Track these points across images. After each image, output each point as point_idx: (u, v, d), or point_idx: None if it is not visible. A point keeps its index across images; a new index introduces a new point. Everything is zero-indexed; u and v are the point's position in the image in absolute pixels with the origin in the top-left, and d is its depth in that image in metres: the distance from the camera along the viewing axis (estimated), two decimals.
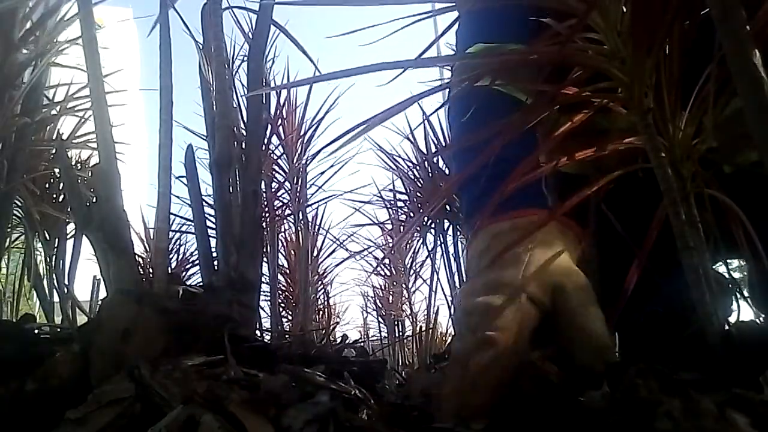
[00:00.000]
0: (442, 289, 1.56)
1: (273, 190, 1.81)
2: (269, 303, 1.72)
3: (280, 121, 1.82)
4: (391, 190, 1.97)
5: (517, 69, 0.61)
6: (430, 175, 1.69)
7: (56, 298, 1.29)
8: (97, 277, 1.43)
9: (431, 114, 1.68)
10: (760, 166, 0.29)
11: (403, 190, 1.88)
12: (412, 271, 2.29)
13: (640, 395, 0.30)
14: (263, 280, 1.58)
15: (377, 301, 2.63)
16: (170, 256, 2.04)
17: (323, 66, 0.98)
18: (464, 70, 0.68)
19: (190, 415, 0.35)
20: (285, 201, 1.86)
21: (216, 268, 0.67)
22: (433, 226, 1.60)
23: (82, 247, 1.30)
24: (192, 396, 0.38)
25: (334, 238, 2.13)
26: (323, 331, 2.02)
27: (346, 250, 2.17)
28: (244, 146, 0.74)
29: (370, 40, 0.63)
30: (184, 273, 2.09)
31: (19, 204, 1.24)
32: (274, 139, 1.80)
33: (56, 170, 1.32)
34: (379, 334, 2.71)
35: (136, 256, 0.90)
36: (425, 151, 1.69)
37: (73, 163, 1.46)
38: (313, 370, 0.51)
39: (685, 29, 0.42)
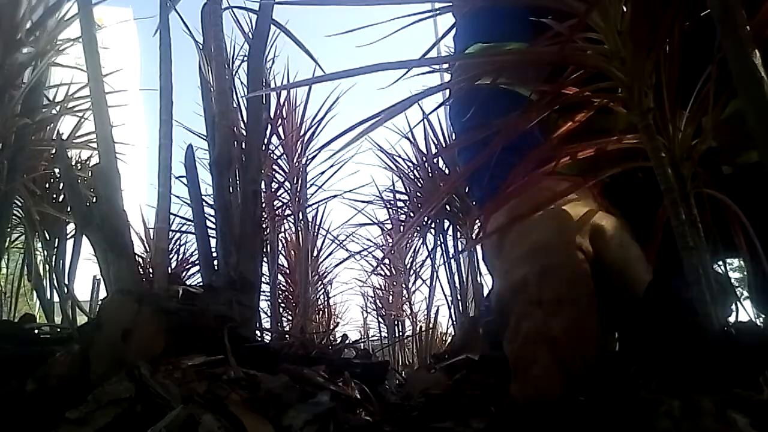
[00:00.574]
0: (442, 289, 1.56)
1: (273, 190, 1.81)
2: (269, 303, 1.72)
3: (280, 121, 1.82)
4: (391, 190, 1.97)
5: (517, 68, 0.60)
6: (430, 175, 1.69)
7: (56, 298, 1.29)
8: (97, 277, 1.43)
9: (431, 113, 1.68)
10: (760, 166, 0.29)
11: (403, 190, 1.88)
12: (412, 271, 2.29)
13: (640, 395, 0.30)
14: (263, 280, 1.58)
15: (377, 301, 2.63)
16: (170, 256, 2.04)
17: (323, 66, 0.98)
18: (465, 70, 0.68)
19: (190, 415, 0.35)
20: (285, 201, 1.86)
21: (216, 268, 0.67)
22: (433, 226, 1.60)
23: (82, 247, 1.30)
24: (192, 396, 0.38)
25: (334, 238, 2.13)
26: (323, 332, 2.02)
27: (346, 250, 2.18)
28: (244, 146, 0.74)
29: (370, 40, 0.63)
30: (184, 273, 2.09)
31: (19, 204, 1.24)
32: (274, 139, 1.80)
33: (56, 170, 1.32)
34: (379, 334, 2.71)
35: (136, 256, 0.90)
36: (425, 151, 1.69)
37: (73, 163, 1.46)
38: (313, 370, 0.51)
39: (685, 29, 0.42)
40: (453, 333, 1.54)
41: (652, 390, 0.29)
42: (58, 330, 0.79)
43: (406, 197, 1.90)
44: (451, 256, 1.45)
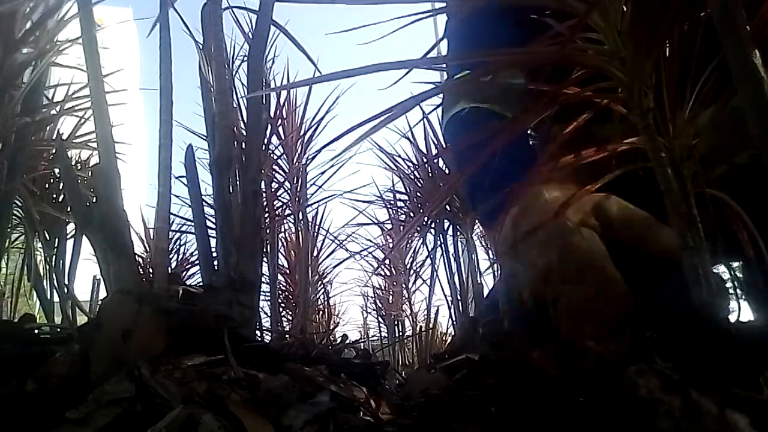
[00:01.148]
0: (442, 289, 1.56)
1: (273, 190, 1.81)
2: (269, 303, 1.72)
3: (280, 121, 1.82)
4: (390, 190, 1.97)
5: (506, 94, 0.67)
6: (430, 175, 1.69)
7: (56, 298, 1.29)
8: (97, 277, 1.43)
9: (430, 112, 1.68)
10: (753, 167, 0.29)
11: (403, 190, 1.88)
12: (412, 271, 2.29)
13: (640, 395, 0.30)
14: (263, 280, 1.58)
15: (377, 301, 2.63)
16: (170, 256, 2.04)
17: (323, 66, 0.98)
18: (455, 90, 0.71)
19: (190, 415, 0.35)
20: (285, 201, 1.86)
21: (216, 268, 0.67)
22: (433, 226, 1.60)
23: (82, 247, 1.30)
24: (192, 396, 0.38)
25: (334, 238, 2.13)
26: (323, 332, 2.02)
27: (346, 250, 2.18)
28: (244, 146, 0.74)
29: (370, 39, 0.63)
30: (184, 273, 2.09)
31: (19, 204, 1.24)
32: (274, 139, 1.80)
33: (56, 170, 1.32)
34: (379, 334, 2.71)
35: (136, 256, 0.90)
36: (425, 151, 1.69)
37: (73, 163, 1.46)
38: (314, 370, 0.51)
39: (685, 29, 0.42)
40: (453, 333, 1.54)
41: (652, 390, 0.29)
42: (58, 330, 0.79)
43: (406, 197, 1.90)
44: (451, 255, 1.45)
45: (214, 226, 0.77)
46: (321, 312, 2.39)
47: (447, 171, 1.60)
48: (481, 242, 1.52)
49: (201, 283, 0.69)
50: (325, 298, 2.39)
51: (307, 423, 0.36)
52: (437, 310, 1.85)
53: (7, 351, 0.53)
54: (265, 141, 1.64)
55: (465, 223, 1.44)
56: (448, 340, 2.25)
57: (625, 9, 0.43)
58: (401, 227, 2.00)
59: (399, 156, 1.81)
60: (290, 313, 2.07)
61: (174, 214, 1.70)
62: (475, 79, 0.55)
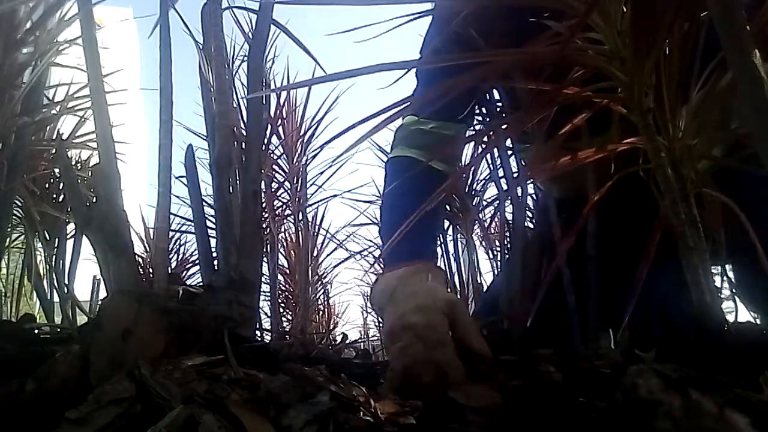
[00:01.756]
0: None
1: (273, 190, 1.81)
2: (269, 303, 1.72)
3: (280, 121, 1.82)
4: None
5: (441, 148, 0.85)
6: None
7: (56, 298, 1.29)
8: (97, 277, 1.43)
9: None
10: (729, 157, 0.30)
11: None
12: None
13: (640, 395, 0.30)
14: (263, 280, 1.58)
15: None
16: (170, 256, 2.04)
17: (323, 65, 0.97)
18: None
19: (190, 415, 0.35)
20: (285, 201, 1.86)
21: (216, 268, 0.67)
22: None
23: (82, 247, 1.30)
24: (192, 396, 0.38)
25: (333, 237, 2.13)
26: (323, 331, 2.01)
27: (346, 250, 2.17)
28: (244, 146, 0.74)
29: (370, 39, 0.63)
30: (184, 273, 2.09)
31: (19, 204, 1.24)
32: (274, 139, 1.80)
33: (56, 170, 1.32)
34: (379, 334, 2.71)
35: (136, 256, 0.90)
36: None
37: (73, 163, 1.46)
38: (314, 370, 0.51)
39: (685, 29, 0.42)
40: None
41: (652, 390, 0.29)
42: (58, 330, 0.79)
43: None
44: (451, 255, 1.45)
45: (214, 226, 0.77)
46: (321, 312, 2.39)
47: None
48: (481, 242, 1.52)
49: (201, 283, 0.69)
50: (325, 298, 2.39)
51: (307, 423, 0.36)
52: None
53: (7, 351, 0.53)
54: (265, 141, 1.64)
55: (465, 223, 1.44)
56: None
57: (625, 9, 0.43)
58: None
59: None
60: (290, 313, 2.07)
61: (174, 214, 1.70)
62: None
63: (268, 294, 1.71)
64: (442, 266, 1.50)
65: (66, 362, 0.44)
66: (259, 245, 0.72)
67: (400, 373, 0.59)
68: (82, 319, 1.22)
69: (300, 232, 1.81)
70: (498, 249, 1.43)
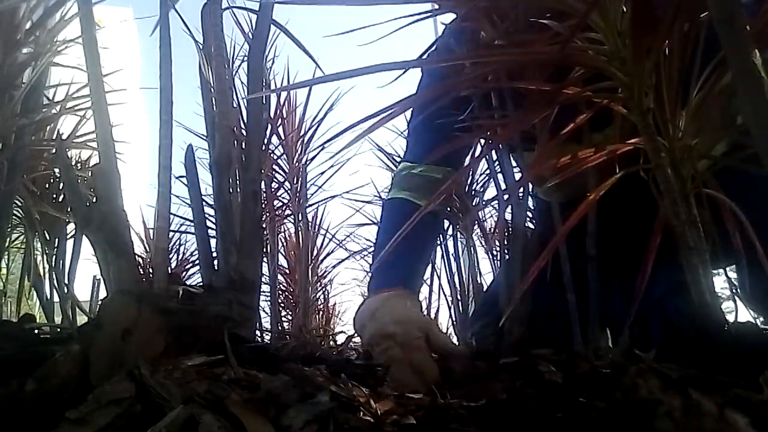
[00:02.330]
0: (442, 290, 1.56)
1: (273, 190, 1.81)
2: (269, 303, 1.72)
3: (280, 121, 1.82)
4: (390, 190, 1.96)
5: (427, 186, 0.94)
6: None
7: (56, 298, 1.29)
8: (97, 277, 1.43)
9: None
10: (728, 156, 0.30)
11: None
12: None
13: (640, 395, 0.30)
14: (263, 280, 1.58)
15: None
16: (170, 256, 2.04)
17: (323, 66, 0.98)
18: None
19: (190, 415, 0.35)
20: (285, 201, 1.86)
21: (216, 268, 0.66)
22: None
23: (82, 247, 1.30)
24: (192, 396, 0.38)
25: (333, 237, 2.13)
26: (323, 333, 2.01)
27: (346, 250, 2.17)
28: (244, 146, 0.74)
29: (370, 39, 0.63)
30: (184, 273, 2.09)
31: (19, 204, 1.24)
32: (274, 139, 1.80)
33: (56, 170, 1.32)
34: None
35: (136, 256, 0.90)
36: None
37: (73, 163, 1.46)
38: (314, 370, 0.51)
39: (685, 29, 0.42)
40: (453, 333, 1.54)
41: (652, 390, 0.29)
42: (58, 330, 0.79)
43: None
44: (451, 255, 1.45)
45: (214, 226, 0.77)
46: (321, 312, 2.39)
47: None
48: (481, 242, 1.52)
49: (201, 283, 0.69)
50: (325, 298, 2.39)
51: (307, 423, 0.36)
52: (437, 311, 1.85)
53: (7, 351, 0.53)
54: (265, 141, 1.64)
55: (465, 223, 1.44)
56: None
57: (625, 9, 0.43)
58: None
59: (398, 156, 1.81)
60: (290, 313, 2.07)
61: (174, 214, 1.70)
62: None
63: (268, 294, 1.71)
64: (443, 266, 1.51)
65: (66, 362, 0.44)
66: (259, 245, 0.72)
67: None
68: (82, 319, 1.22)
69: (300, 232, 1.81)
70: (498, 249, 1.43)
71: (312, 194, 1.89)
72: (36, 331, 0.72)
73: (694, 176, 0.44)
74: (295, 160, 1.84)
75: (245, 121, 0.79)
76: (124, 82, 1.46)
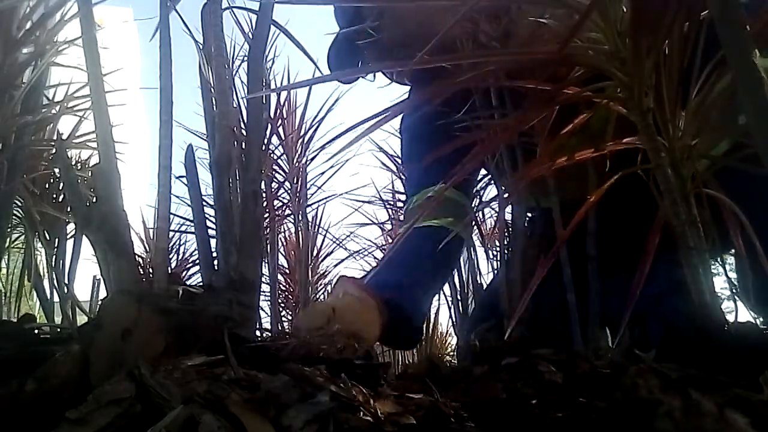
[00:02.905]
0: (442, 289, 1.56)
1: (273, 190, 1.81)
2: (269, 303, 1.72)
3: (280, 122, 1.82)
4: (390, 190, 1.97)
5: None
6: None
7: (56, 298, 1.29)
8: (97, 277, 1.43)
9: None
10: (730, 155, 0.30)
11: (403, 190, 1.88)
12: None
13: (640, 395, 0.30)
14: (263, 280, 1.58)
15: None
16: (170, 256, 2.04)
17: (323, 66, 0.98)
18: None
19: (190, 415, 0.35)
20: (285, 201, 1.86)
21: (216, 268, 0.66)
22: None
23: (82, 247, 1.30)
24: (192, 396, 0.38)
25: (334, 237, 2.13)
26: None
27: (346, 250, 2.17)
28: (244, 146, 0.74)
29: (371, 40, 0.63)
30: (184, 273, 2.09)
31: (19, 204, 1.24)
32: (274, 139, 1.80)
33: (56, 170, 1.32)
34: None
35: (136, 256, 0.90)
36: None
37: (73, 163, 1.46)
38: (314, 369, 0.51)
39: (685, 29, 0.42)
40: (453, 333, 1.54)
41: (652, 390, 0.29)
42: (58, 330, 0.78)
43: (405, 197, 1.89)
44: None
45: (214, 226, 0.77)
46: None
47: None
48: (481, 242, 1.52)
49: (201, 283, 0.69)
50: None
51: (307, 423, 0.36)
52: (437, 311, 1.85)
53: (7, 351, 0.53)
54: (265, 141, 1.64)
55: (465, 223, 1.44)
56: (449, 341, 2.25)
57: (625, 9, 0.43)
58: (401, 227, 2.00)
59: (398, 156, 1.81)
60: (290, 313, 2.07)
61: (174, 214, 1.70)
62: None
63: (268, 294, 1.71)
64: None
65: (66, 362, 0.44)
66: (259, 245, 0.72)
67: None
68: (82, 319, 1.22)
69: (300, 232, 1.81)
70: (498, 249, 1.43)
71: (312, 194, 1.90)
72: (36, 331, 0.72)
73: (694, 176, 0.44)
74: (295, 160, 1.84)
75: (245, 121, 0.79)
76: (124, 82, 1.46)
